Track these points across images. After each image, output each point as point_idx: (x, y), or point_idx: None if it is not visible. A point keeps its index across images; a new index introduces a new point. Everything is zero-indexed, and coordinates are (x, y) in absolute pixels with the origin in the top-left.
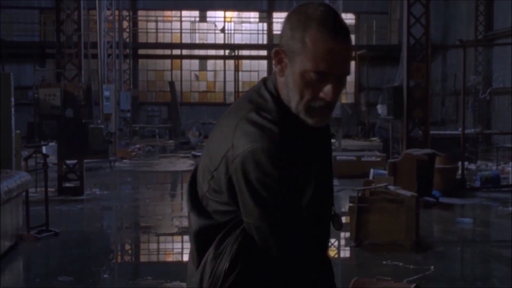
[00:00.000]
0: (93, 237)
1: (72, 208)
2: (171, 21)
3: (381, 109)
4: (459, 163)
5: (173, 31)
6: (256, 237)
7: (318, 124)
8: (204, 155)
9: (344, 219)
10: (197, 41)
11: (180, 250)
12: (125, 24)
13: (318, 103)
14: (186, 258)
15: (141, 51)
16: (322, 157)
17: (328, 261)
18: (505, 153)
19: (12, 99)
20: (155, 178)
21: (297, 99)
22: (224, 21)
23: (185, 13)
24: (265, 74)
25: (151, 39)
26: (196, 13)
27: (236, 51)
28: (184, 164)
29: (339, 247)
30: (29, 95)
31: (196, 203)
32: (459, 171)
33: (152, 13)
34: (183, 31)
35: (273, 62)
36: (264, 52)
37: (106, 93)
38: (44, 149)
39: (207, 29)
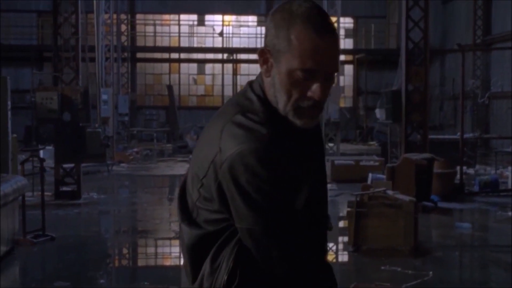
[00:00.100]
0: (90, 241)
1: (69, 212)
2: (169, 25)
3: (379, 113)
4: (458, 168)
5: (171, 34)
6: (250, 243)
7: (307, 125)
8: (193, 162)
9: (342, 224)
10: (195, 45)
11: (178, 254)
12: (123, 27)
13: (306, 102)
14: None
15: (139, 55)
16: (313, 158)
17: (328, 266)
18: (504, 157)
19: (9, 102)
20: (152, 182)
21: (284, 99)
22: (223, 25)
23: (183, 16)
24: None
25: (149, 43)
26: (194, 17)
27: (234, 55)
28: (182, 168)
29: (337, 252)
30: (26, 99)
31: (187, 214)
32: (458, 176)
33: (150, 16)
34: (181, 34)
35: (259, 62)
36: None
37: (104, 97)
38: (41, 153)
39: (205, 33)
